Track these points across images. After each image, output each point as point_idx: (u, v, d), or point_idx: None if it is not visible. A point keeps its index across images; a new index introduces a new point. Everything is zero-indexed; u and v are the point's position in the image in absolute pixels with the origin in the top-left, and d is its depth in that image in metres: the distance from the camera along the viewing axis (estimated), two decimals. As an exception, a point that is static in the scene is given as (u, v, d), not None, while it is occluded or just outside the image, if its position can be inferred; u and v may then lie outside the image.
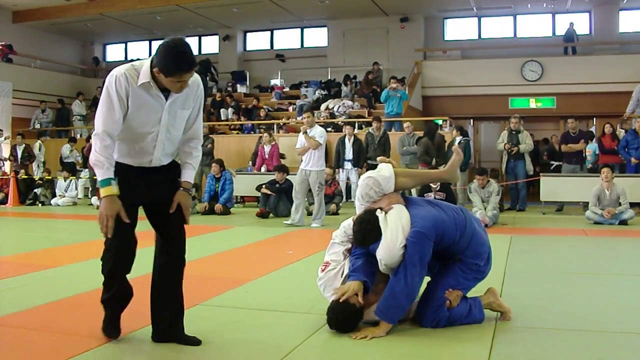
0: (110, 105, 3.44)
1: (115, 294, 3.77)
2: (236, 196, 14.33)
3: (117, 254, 3.65)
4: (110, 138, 3.45)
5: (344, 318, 4.00)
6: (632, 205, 11.30)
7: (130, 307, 3.87)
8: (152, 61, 3.47)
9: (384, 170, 4.36)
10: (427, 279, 4.28)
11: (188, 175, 3.80)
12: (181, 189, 3.74)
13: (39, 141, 18.20)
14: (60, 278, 6.03)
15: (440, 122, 16.52)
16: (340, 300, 3.99)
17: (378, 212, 4.13)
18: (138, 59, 3.66)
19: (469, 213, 4.35)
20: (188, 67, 3.46)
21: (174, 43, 3.42)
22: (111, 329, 3.81)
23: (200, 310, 4.57)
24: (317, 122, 11.31)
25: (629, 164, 12.81)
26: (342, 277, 4.25)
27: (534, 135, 15.76)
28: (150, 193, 3.69)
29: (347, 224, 4.42)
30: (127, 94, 3.46)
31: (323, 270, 4.35)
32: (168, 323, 3.76)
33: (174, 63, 3.40)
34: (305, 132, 10.30)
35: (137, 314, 3.97)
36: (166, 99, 3.57)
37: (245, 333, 4.05)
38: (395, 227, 3.99)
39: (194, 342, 3.74)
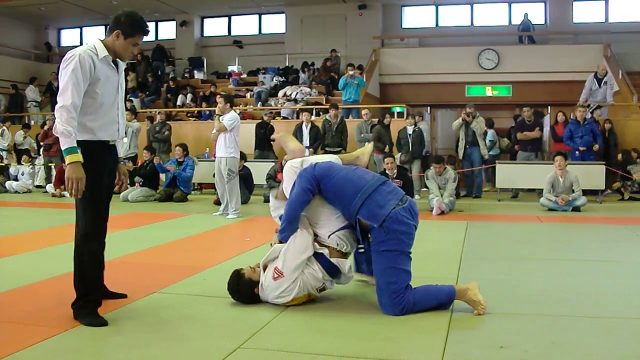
0: (77, 80, 3.72)
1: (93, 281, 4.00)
2: (193, 183, 14.24)
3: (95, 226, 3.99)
4: (75, 111, 3.71)
5: (238, 289, 4.34)
6: (585, 192, 11.51)
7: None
8: (106, 36, 3.99)
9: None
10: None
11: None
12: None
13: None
14: (13, 267, 5.92)
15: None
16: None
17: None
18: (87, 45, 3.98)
19: (392, 186, 4.37)
20: (147, 29, 4.02)
21: (131, 11, 3.97)
22: (99, 318, 3.88)
23: (158, 299, 4.55)
24: (265, 109, 11.08)
25: (573, 153, 13.01)
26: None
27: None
28: (109, 175, 4.12)
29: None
30: (93, 67, 3.80)
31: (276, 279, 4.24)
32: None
33: (137, 25, 3.97)
34: (217, 117, 9.81)
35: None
36: (117, 73, 4.04)
37: (204, 320, 4.03)
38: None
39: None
